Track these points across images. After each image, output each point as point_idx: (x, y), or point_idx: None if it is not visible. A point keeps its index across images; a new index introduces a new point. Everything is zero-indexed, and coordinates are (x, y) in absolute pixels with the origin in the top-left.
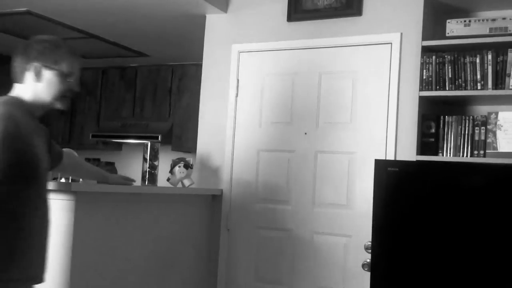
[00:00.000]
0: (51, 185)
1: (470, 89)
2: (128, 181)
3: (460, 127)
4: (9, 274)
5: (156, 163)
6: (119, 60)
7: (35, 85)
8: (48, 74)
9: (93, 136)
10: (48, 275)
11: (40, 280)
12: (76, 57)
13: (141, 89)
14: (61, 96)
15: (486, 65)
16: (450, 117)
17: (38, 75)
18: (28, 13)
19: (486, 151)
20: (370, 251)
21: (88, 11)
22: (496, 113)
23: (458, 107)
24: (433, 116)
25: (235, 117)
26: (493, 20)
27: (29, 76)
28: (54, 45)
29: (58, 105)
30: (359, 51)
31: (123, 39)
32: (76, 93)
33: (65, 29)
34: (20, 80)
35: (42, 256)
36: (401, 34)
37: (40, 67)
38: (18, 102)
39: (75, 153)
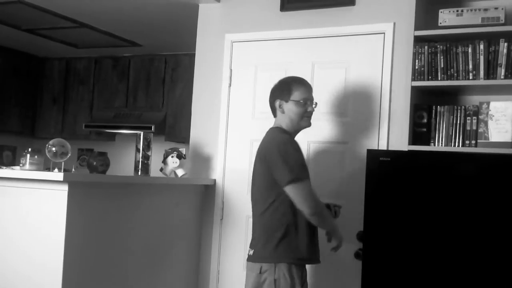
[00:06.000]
0: (43, 175)
1: (462, 79)
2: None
3: (452, 117)
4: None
5: (149, 153)
6: (112, 50)
7: (282, 116)
8: (286, 106)
9: (86, 126)
10: (40, 266)
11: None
12: (309, 87)
13: (134, 79)
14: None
15: (478, 55)
16: (442, 107)
17: (281, 108)
18: (20, 2)
19: (478, 141)
20: (362, 240)
21: (80, 0)
22: (488, 103)
23: (450, 97)
24: (425, 106)
25: (228, 107)
26: (486, 9)
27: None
28: (284, 82)
29: (304, 124)
30: (352, 41)
31: (116, 29)
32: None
33: (57, 18)
34: (274, 115)
35: None
36: (394, 24)
37: (280, 102)
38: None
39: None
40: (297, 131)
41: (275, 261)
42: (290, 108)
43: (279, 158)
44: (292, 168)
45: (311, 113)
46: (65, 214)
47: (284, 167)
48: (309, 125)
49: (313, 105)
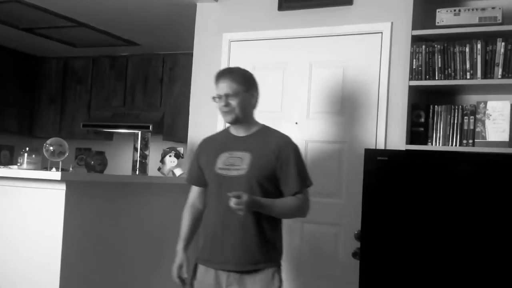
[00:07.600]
0: (41, 174)
1: (460, 79)
2: None
3: (449, 116)
4: None
5: (146, 152)
6: (110, 49)
7: None
8: None
9: (83, 125)
10: (38, 265)
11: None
12: (219, 80)
13: (132, 79)
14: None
15: (475, 54)
16: (439, 106)
17: None
18: (18, 1)
19: (475, 140)
20: (360, 239)
21: None
22: (485, 103)
23: (448, 96)
24: (423, 106)
25: None
26: (483, 9)
27: None
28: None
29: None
30: (350, 41)
31: (114, 28)
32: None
33: (55, 17)
34: None
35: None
36: (392, 23)
37: None
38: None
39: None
40: (230, 123)
41: None
42: None
43: None
44: None
45: (221, 108)
46: (63, 213)
47: None
48: (227, 120)
49: (224, 101)
